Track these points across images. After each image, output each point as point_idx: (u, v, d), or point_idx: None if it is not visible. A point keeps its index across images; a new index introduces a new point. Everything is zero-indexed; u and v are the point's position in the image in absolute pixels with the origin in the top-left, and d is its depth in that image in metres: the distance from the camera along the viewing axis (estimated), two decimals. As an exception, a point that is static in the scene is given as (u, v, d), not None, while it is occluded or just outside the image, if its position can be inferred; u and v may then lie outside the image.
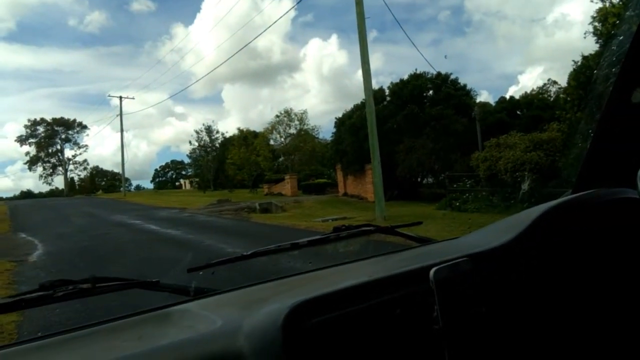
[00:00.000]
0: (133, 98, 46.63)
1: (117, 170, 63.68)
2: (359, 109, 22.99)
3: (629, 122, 1.14)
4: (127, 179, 51.89)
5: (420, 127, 21.18)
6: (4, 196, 64.23)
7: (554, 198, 1.17)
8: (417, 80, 23.33)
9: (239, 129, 45.15)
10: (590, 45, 16.47)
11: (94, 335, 0.84)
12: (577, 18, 54.29)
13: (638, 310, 1.02)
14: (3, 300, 0.89)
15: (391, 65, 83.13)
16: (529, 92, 28.56)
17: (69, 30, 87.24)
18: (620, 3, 13.95)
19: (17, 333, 4.23)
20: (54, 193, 64.95)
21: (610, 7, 14.59)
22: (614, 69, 1.17)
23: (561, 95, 19.74)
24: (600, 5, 15.06)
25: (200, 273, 1.10)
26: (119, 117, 44.70)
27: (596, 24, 15.35)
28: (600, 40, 14.99)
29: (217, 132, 47.80)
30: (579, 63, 15.94)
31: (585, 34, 16.15)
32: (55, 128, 64.44)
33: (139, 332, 0.83)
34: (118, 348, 0.74)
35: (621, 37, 1.26)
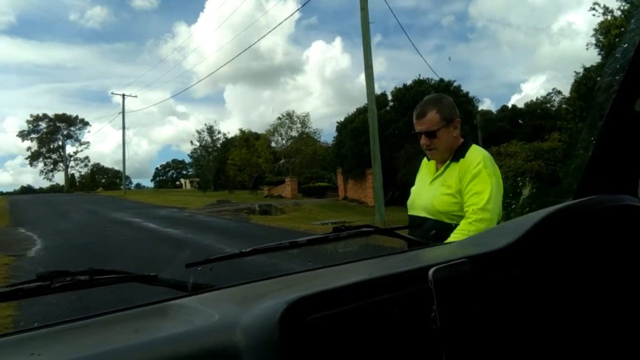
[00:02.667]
0: (136, 96, 46.95)
1: (118, 167, 63.97)
2: (361, 113, 23.02)
3: (631, 130, 1.14)
4: (127, 177, 51.99)
5: (422, 133, 21.16)
6: (4, 191, 64.49)
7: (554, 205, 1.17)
8: (420, 86, 23.35)
9: (240, 129, 45.18)
10: (593, 57, 16.51)
11: (89, 327, 0.84)
12: (581, 27, 54.30)
13: (637, 316, 1.02)
14: (0, 290, 0.88)
15: (394, 70, 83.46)
16: (532, 101, 28.59)
17: (71, 25, 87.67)
18: (623, 16, 13.99)
19: (13, 328, 4.22)
20: (54, 189, 64.98)
21: (612, 20, 14.62)
22: (617, 77, 1.17)
23: (563, 106, 19.77)
24: (602, 18, 15.10)
25: (199, 269, 1.10)
26: (120, 114, 44.87)
27: (599, 36, 15.38)
28: (602, 52, 15.03)
29: (219, 132, 47.82)
30: (581, 74, 15.97)
31: (587, 45, 16.19)
32: (57, 124, 64.51)
33: (135, 325, 0.83)
34: (113, 340, 0.74)
35: (625, 45, 1.26)
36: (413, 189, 2.34)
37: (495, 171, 2.07)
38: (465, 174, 2.03)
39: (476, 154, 2.09)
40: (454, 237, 1.88)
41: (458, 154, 2.13)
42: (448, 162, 2.15)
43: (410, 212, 2.24)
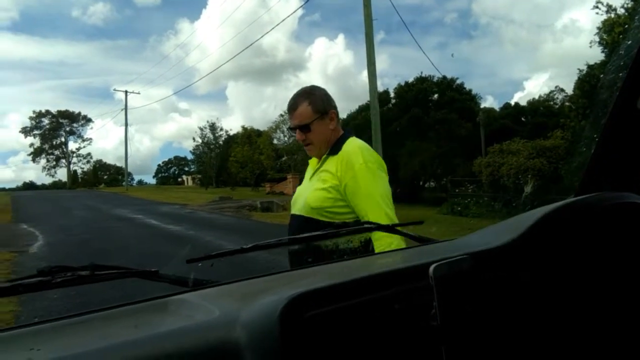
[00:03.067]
0: (139, 93, 46.93)
1: (120, 164, 64.25)
2: (364, 110, 22.97)
3: (634, 128, 1.13)
4: (129, 174, 52.07)
5: (424, 130, 21.19)
6: (6, 187, 64.64)
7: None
8: (422, 84, 23.33)
9: (242, 126, 45.16)
10: (597, 54, 16.47)
11: (89, 322, 0.84)
12: (585, 25, 54.06)
13: (638, 314, 1.01)
14: (0, 285, 0.88)
15: (397, 67, 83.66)
16: (534, 98, 28.57)
17: (74, 21, 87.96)
18: (626, 14, 13.94)
19: (14, 323, 4.24)
20: (56, 185, 65.21)
21: (615, 18, 14.57)
22: (620, 74, 1.16)
23: (566, 104, 19.73)
24: (605, 16, 15.06)
25: (199, 265, 1.10)
26: (123, 111, 44.92)
27: (602, 34, 15.33)
28: (605, 50, 14.98)
29: (221, 129, 47.74)
30: (584, 72, 15.93)
31: (591, 43, 16.15)
32: (60, 120, 64.65)
33: (135, 320, 0.83)
34: (114, 335, 0.74)
35: (629, 43, 1.25)
36: (297, 188, 2.25)
37: (376, 158, 2.00)
38: (346, 172, 1.93)
39: (353, 147, 2.00)
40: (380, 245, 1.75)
41: (335, 147, 2.04)
42: (325, 156, 2.06)
43: (291, 212, 2.13)
